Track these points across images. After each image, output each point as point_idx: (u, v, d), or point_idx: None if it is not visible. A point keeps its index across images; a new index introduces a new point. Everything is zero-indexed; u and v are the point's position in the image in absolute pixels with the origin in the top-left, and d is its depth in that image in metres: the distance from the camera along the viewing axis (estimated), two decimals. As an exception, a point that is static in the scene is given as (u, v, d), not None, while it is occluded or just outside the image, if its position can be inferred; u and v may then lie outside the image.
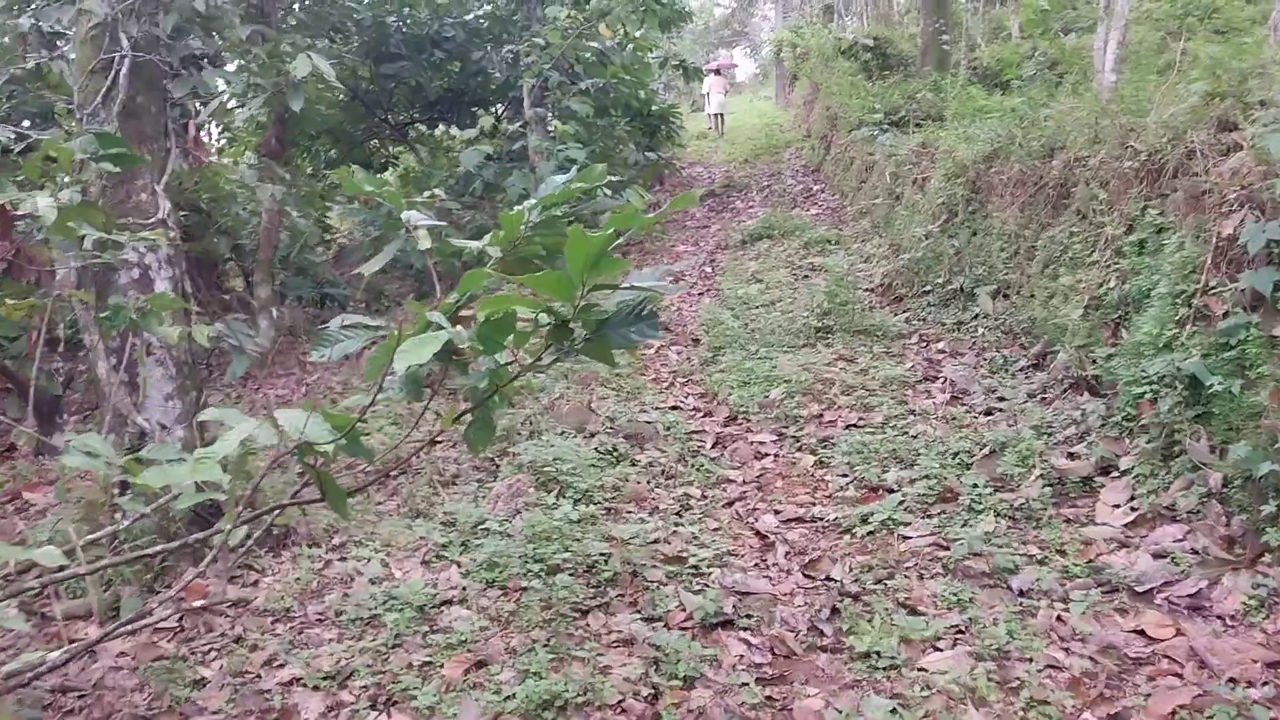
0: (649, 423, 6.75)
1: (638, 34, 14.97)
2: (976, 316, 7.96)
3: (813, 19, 31.10)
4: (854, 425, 6.38)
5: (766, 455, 6.21)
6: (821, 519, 5.17)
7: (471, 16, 14.79)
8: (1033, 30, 9.87)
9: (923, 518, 4.94)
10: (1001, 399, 6.39)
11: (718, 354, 8.25)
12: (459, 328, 3.09)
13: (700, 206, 17.73)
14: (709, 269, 12.39)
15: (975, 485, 5.08)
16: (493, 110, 15.78)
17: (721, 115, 28.38)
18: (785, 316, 9.07)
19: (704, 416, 7.08)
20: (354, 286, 12.55)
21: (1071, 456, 5.24)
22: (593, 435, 6.58)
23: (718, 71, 29.18)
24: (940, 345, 7.78)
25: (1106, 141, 6.62)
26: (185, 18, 6.00)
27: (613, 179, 12.53)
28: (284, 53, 8.69)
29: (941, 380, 6.99)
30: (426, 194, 10.50)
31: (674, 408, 7.25)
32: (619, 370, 7.90)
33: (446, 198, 11.84)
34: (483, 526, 5.26)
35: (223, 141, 15.24)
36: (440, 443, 7.25)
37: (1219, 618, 3.83)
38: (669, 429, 6.65)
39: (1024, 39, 19.46)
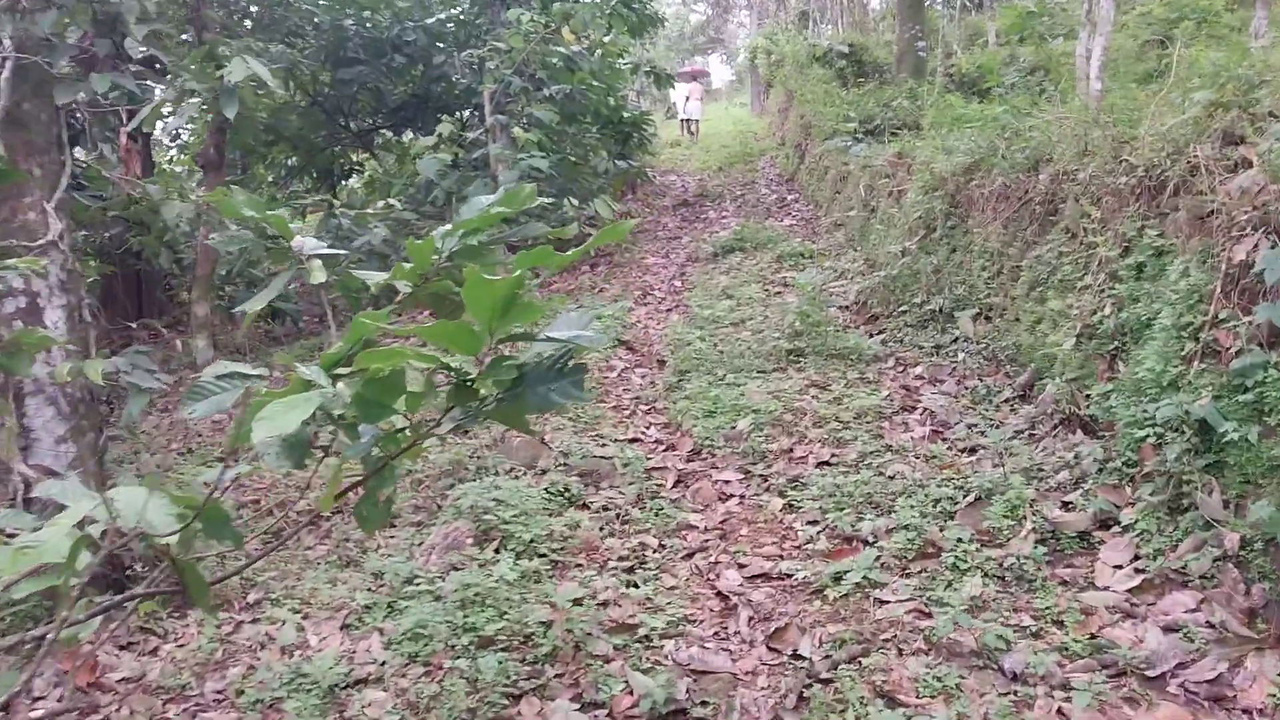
0: (606, 458, 6.17)
1: (606, 39, 14.40)
2: (957, 340, 7.42)
3: (788, 25, 30.67)
4: (826, 463, 5.81)
5: (731, 497, 5.64)
6: (790, 576, 4.59)
7: (434, 20, 14.17)
8: (1012, 35, 9.33)
9: (902, 577, 4.38)
10: (985, 434, 5.84)
11: (683, 378, 7.67)
12: (340, 386, 2.51)
13: (673, 216, 17.20)
14: (679, 283, 11.82)
15: (960, 540, 4.52)
16: (459, 116, 15.17)
17: (696, 121, 27.85)
18: (755, 337, 8.51)
19: (666, 450, 6.50)
20: (309, 301, 11.93)
21: (1066, 506, 4.68)
22: (544, 472, 6.01)
23: (693, 77, 28.64)
24: (918, 371, 7.23)
25: (1098, 154, 6.09)
26: (70, 16, 5.36)
27: (573, 186, 11.93)
28: (221, 55, 8.06)
29: (920, 411, 6.44)
30: (381, 204, 9.87)
31: (634, 440, 6.67)
32: (577, 397, 7.32)
33: (403, 207, 11.24)
34: (413, 584, 4.66)
35: (173, 151, 14.62)
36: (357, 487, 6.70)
37: (1245, 711, 3.28)
38: (627, 465, 6.07)
39: (1002, 45, 19.03)
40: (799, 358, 7.79)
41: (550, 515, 5.32)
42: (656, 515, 5.42)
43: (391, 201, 10.99)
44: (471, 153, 11.84)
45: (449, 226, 2.97)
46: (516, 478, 5.82)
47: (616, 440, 6.56)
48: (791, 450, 6.07)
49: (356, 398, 2.54)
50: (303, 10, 13.24)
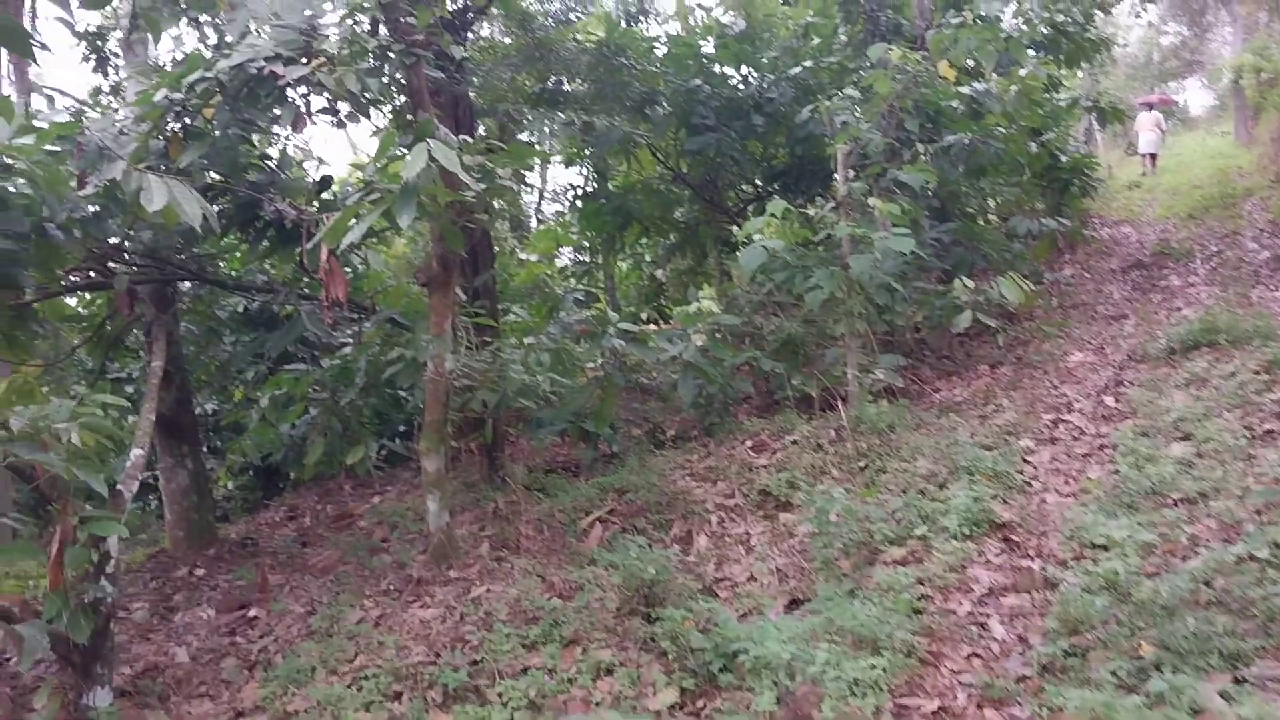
0: None
1: (1022, 71, 10.67)
2: None
3: (1284, 37, 24.33)
4: None
5: None
6: None
7: (800, 69, 11.20)
8: None
9: None
10: None
11: (1075, 649, 4.09)
12: None
13: (1119, 283, 12.90)
14: (1110, 400, 7.90)
15: None
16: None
17: (1154, 155, 22.71)
18: (1217, 540, 4.69)
19: None
20: (629, 414, 9.45)
21: None
22: None
23: (1150, 106, 23.38)
24: None
25: None
26: None
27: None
28: (438, 137, 5.71)
29: None
30: (694, 307, 7.12)
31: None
32: (862, 671, 4.01)
33: (719, 311, 8.42)
34: None
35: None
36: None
37: None
38: None
39: None
40: (1313, 618, 3.93)
41: None
42: None
43: (708, 303, 8.22)
44: (824, 232, 8.70)
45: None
46: None
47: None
48: None
49: None
50: (649, 74, 10.85)
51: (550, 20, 11.79)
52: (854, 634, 4.34)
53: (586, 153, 11.99)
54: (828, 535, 5.79)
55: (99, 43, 7.87)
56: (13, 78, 8.31)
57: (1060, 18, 12.90)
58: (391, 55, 6.13)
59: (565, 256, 14.11)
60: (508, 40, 11.42)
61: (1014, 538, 5.51)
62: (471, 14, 10.10)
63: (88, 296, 8.50)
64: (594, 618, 5.40)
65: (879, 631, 4.33)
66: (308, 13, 6.29)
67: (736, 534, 6.57)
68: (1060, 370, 9.07)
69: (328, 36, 6.24)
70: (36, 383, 7.27)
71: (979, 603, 4.80)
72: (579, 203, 12.58)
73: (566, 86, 11.34)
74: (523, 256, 13.19)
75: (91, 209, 5.43)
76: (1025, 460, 6.74)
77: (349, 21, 6.18)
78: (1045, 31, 12.87)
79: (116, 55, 8.12)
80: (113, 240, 6.48)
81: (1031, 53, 11.97)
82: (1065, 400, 8.09)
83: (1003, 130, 11.00)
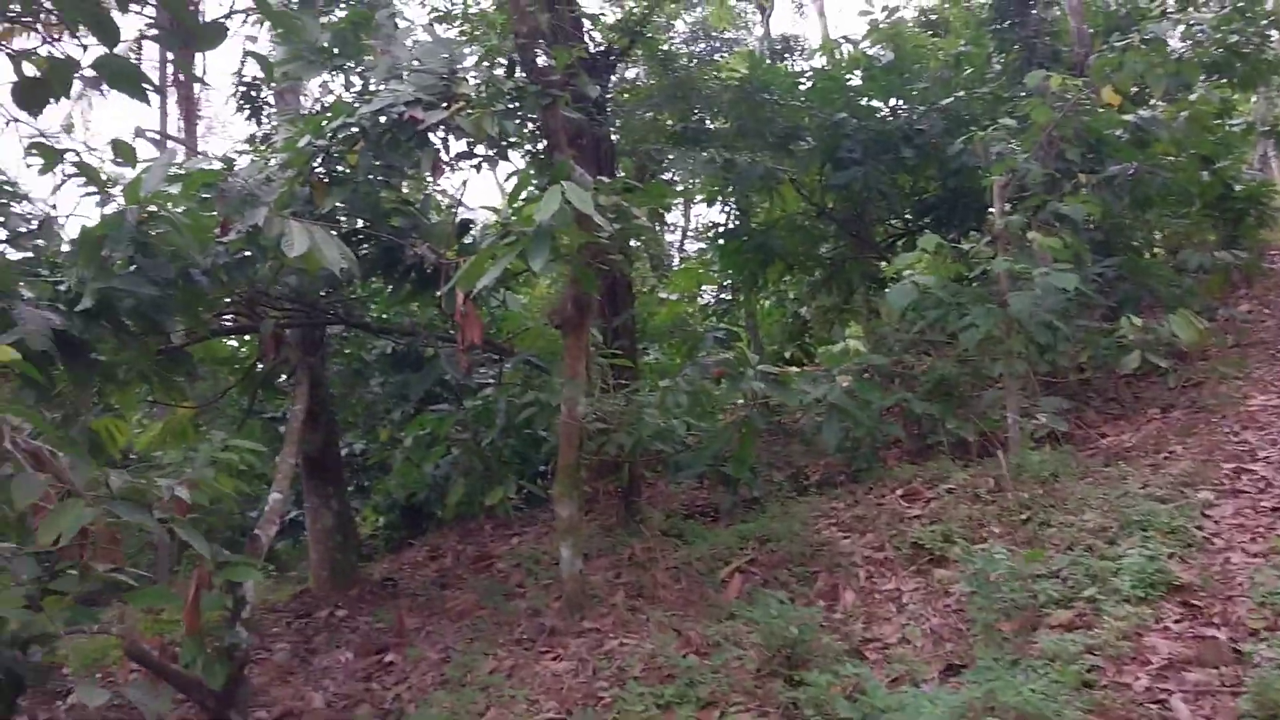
0: None
1: (1192, 96, 9.98)
2: None
3: None
4: None
5: None
6: None
7: (951, 100, 10.77)
8: None
9: None
10: None
11: (1277, 732, 3.61)
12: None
13: (1305, 316, 11.86)
14: (1299, 447, 7.18)
15: None
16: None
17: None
18: None
19: None
20: (770, 458, 9.12)
21: None
22: None
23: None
24: None
25: None
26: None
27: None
28: (576, 179, 5.61)
29: None
30: (838, 347, 6.82)
31: None
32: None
33: (867, 351, 8.05)
34: None
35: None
36: None
37: None
38: None
39: None
40: None
41: None
42: None
43: (855, 342, 7.87)
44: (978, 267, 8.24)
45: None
46: None
47: None
48: None
49: None
50: (793, 109, 10.61)
51: (693, 60, 11.72)
52: (1017, 710, 3.93)
53: (728, 190, 11.81)
54: (987, 596, 5.36)
55: (252, 92, 8.17)
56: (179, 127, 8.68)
57: (1233, 38, 12.09)
58: (527, 97, 6.08)
59: (707, 295, 13.97)
60: (651, 82, 11.40)
61: (1195, 602, 4.96)
62: (614, 56, 10.10)
63: (247, 338, 8.77)
64: (732, 678, 5.11)
65: (1045, 708, 3.91)
66: (447, 57, 6.32)
67: (886, 590, 6.18)
68: (1240, 415, 8.31)
69: (466, 80, 6.26)
70: (191, 424, 7.52)
71: (1157, 676, 4.31)
72: (720, 240, 12.42)
73: (709, 124, 11.22)
74: (663, 295, 13.09)
75: (237, 254, 5.51)
76: (1205, 514, 6.12)
77: (486, 64, 6.17)
78: (1217, 53, 12.08)
79: (269, 104, 8.42)
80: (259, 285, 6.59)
81: (1202, 76, 11.21)
82: (1247, 448, 7.38)
83: (1171, 158, 10.33)
